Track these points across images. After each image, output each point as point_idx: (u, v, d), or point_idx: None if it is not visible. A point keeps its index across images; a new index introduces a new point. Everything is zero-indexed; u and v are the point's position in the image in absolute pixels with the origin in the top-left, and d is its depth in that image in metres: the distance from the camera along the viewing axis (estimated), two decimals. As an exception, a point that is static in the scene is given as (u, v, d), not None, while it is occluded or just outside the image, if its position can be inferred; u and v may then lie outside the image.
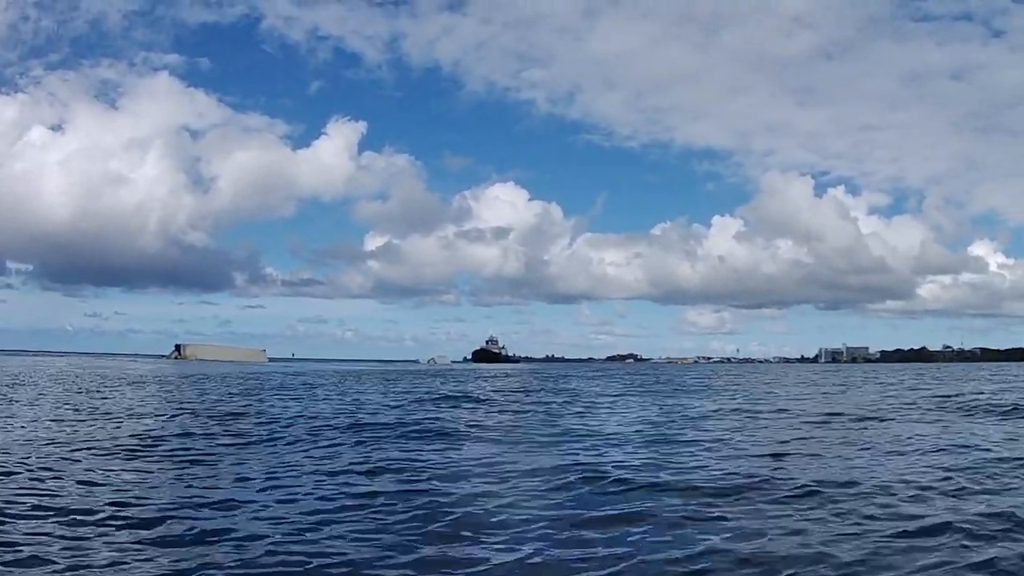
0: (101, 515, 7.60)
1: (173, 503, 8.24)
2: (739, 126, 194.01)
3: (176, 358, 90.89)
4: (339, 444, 13.36)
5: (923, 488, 9.04)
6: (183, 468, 10.60)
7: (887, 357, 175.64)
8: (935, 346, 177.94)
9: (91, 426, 15.75)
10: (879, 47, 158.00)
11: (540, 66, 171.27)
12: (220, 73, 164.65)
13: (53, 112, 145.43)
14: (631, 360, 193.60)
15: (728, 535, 7.06)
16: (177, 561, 6.22)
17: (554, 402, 25.22)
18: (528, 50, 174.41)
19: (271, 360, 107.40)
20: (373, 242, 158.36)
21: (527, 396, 28.56)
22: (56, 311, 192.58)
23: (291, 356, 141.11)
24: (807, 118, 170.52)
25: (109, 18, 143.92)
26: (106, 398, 24.42)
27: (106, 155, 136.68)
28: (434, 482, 9.55)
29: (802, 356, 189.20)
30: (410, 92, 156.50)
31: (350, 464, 11.02)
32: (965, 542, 6.70)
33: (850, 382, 43.37)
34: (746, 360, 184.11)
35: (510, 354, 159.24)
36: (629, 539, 6.97)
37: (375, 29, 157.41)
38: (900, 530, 7.12)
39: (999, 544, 6.61)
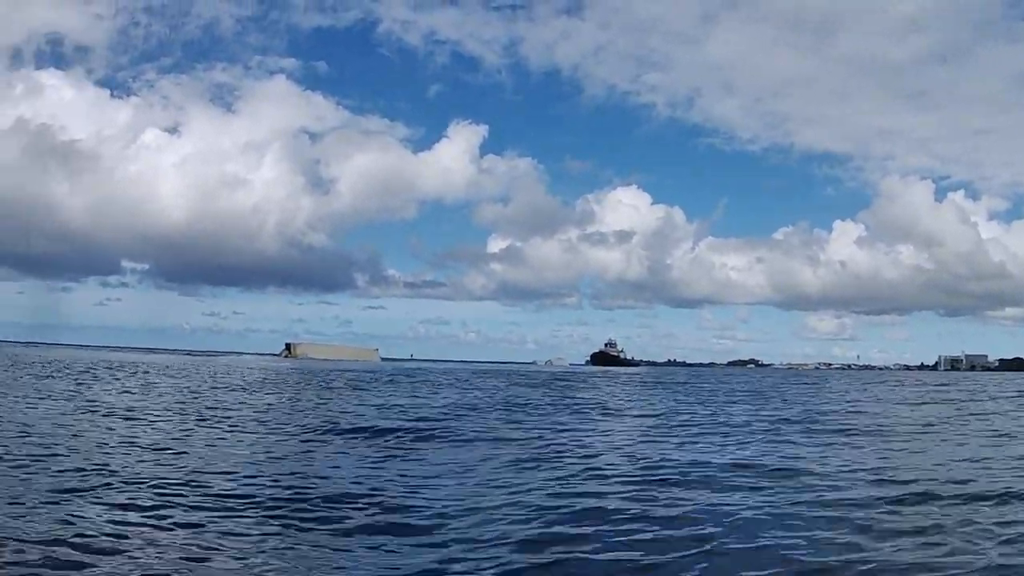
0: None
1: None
2: (855, 130, 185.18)
3: (286, 356, 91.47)
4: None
5: None
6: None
7: (1006, 365, 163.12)
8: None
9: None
10: (991, 49, 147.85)
11: (659, 70, 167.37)
12: (337, 77, 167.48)
13: (167, 115, 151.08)
14: (751, 366, 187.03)
15: None
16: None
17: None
18: (646, 54, 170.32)
19: (384, 360, 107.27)
20: (495, 244, 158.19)
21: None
22: (173, 310, 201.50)
23: (409, 356, 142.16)
24: (921, 122, 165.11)
25: (222, 23, 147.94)
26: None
27: (223, 157, 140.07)
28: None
29: (922, 364, 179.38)
30: (530, 96, 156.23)
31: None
32: None
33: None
34: (866, 367, 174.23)
35: (628, 357, 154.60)
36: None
37: (493, 33, 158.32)
38: None
39: None
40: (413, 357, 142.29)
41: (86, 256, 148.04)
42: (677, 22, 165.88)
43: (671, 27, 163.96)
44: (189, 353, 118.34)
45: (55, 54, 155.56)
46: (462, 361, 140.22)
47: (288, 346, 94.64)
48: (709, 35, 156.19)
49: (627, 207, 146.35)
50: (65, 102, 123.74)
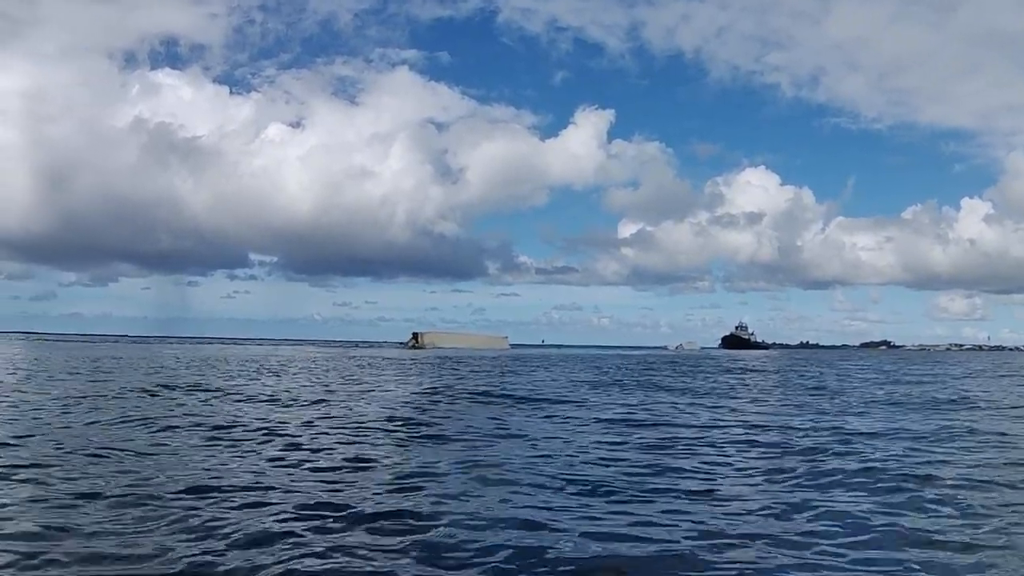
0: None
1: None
2: (979, 106, 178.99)
3: (413, 346, 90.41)
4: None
5: None
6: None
7: None
8: None
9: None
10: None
11: (782, 50, 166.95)
12: (461, 66, 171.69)
13: (290, 110, 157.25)
14: (884, 347, 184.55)
15: None
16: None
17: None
18: (768, 34, 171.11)
19: (514, 347, 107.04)
20: (626, 229, 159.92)
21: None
22: (303, 301, 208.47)
23: (541, 343, 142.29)
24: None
25: (339, 17, 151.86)
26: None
27: (349, 149, 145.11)
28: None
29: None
30: (655, 80, 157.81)
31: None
32: None
33: None
34: (997, 347, 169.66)
35: (759, 340, 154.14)
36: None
37: (613, 18, 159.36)
38: None
39: None
40: (544, 343, 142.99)
41: (213, 250, 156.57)
42: (797, 1, 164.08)
43: (791, 6, 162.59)
44: (326, 343, 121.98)
45: (170, 54, 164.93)
46: (594, 346, 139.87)
47: (415, 335, 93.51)
48: (829, 12, 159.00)
49: (756, 188, 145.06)
50: (184, 101, 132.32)
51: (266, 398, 17.66)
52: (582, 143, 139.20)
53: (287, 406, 16.06)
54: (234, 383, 22.48)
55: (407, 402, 17.40)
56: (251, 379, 24.82)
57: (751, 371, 38.96)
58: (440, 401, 17.78)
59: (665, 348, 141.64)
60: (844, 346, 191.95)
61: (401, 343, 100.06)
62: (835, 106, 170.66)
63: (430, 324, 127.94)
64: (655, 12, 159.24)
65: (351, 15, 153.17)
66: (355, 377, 27.42)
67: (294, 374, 28.71)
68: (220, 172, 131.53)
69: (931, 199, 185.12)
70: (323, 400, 17.49)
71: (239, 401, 16.85)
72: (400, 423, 13.18)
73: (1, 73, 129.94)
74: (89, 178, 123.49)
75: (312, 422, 13.14)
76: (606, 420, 14.36)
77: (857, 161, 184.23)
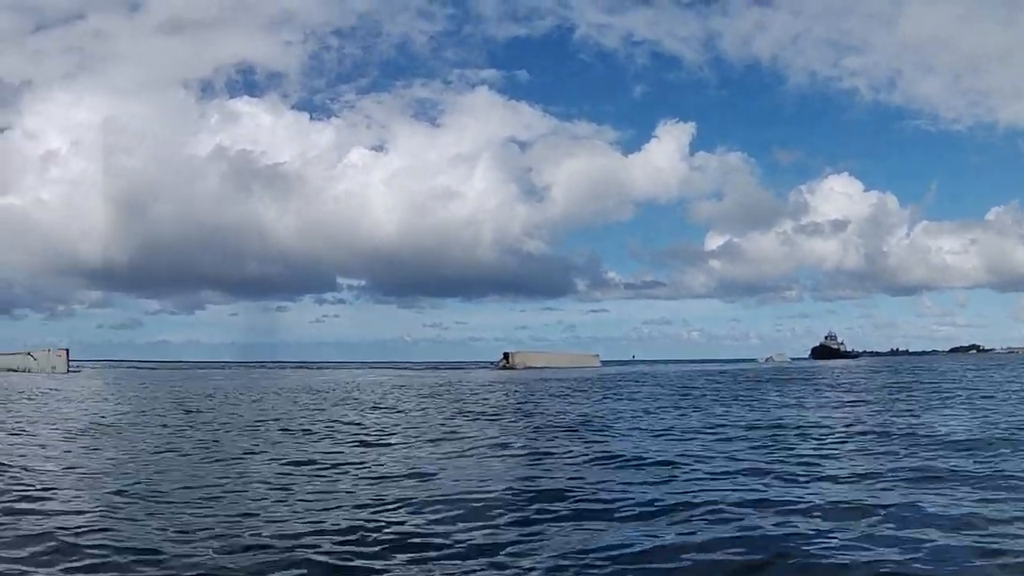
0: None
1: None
2: None
3: (503, 367, 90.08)
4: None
5: None
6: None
7: None
8: None
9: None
10: None
11: (857, 53, 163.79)
12: (540, 84, 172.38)
13: (372, 134, 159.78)
14: (973, 352, 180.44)
15: None
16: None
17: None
18: (842, 38, 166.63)
19: (604, 363, 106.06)
20: (713, 241, 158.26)
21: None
22: (393, 323, 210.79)
23: (631, 358, 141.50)
24: None
25: (415, 40, 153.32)
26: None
27: (433, 171, 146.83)
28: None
29: None
30: (733, 90, 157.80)
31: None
32: None
33: None
34: None
35: (849, 349, 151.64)
36: None
37: (688, 30, 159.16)
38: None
39: None
40: (635, 359, 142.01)
41: (300, 275, 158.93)
42: (868, 2, 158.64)
43: (864, 8, 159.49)
44: (417, 365, 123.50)
45: (247, 83, 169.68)
46: (685, 361, 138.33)
47: (506, 355, 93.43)
48: (902, 13, 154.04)
49: (840, 195, 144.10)
50: (263, 128, 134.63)
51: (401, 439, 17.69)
52: (665, 156, 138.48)
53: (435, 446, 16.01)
54: (373, 420, 22.77)
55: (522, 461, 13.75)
56: (375, 412, 25.12)
57: (902, 390, 37.32)
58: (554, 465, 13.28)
59: (755, 361, 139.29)
60: (934, 352, 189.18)
61: (491, 363, 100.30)
62: (913, 108, 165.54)
63: (520, 343, 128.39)
64: (729, 22, 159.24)
65: (427, 37, 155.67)
66: (466, 405, 27.38)
67: (417, 409, 28.93)
68: (304, 197, 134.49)
69: (1014, 199, 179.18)
70: (446, 437, 17.38)
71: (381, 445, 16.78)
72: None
73: (77, 107, 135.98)
74: (171, 207, 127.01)
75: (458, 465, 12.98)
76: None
77: (938, 163, 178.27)
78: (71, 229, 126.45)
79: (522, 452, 14.87)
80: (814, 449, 14.57)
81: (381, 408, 27.31)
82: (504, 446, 15.78)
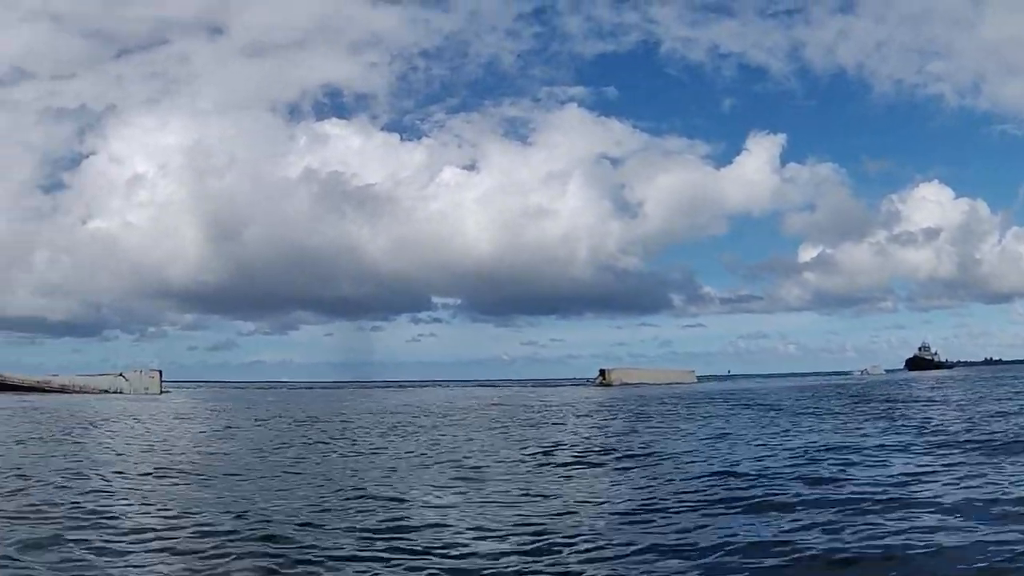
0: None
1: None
2: None
3: (600, 383, 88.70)
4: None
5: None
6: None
7: None
8: None
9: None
10: None
11: (941, 59, 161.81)
12: (629, 100, 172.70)
13: (462, 153, 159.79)
14: None
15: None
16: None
17: None
18: (925, 44, 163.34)
19: (700, 379, 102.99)
20: (806, 253, 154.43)
21: None
22: (490, 341, 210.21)
23: (727, 373, 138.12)
24: None
25: (502, 59, 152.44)
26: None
27: (525, 189, 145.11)
28: None
29: None
30: (821, 100, 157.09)
31: None
32: None
33: None
34: None
35: (943, 360, 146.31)
36: None
37: (773, 40, 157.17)
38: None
39: None
40: (730, 374, 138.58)
41: (395, 295, 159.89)
42: (949, 7, 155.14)
43: (945, 12, 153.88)
44: (515, 383, 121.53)
45: (335, 105, 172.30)
46: (780, 375, 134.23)
47: (602, 372, 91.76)
48: (982, 17, 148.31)
49: (931, 203, 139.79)
50: (353, 149, 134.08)
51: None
52: (756, 169, 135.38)
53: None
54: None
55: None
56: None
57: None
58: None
59: (850, 374, 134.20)
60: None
61: (588, 380, 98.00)
62: (999, 112, 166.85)
63: (617, 359, 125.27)
64: (813, 31, 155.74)
65: (514, 56, 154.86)
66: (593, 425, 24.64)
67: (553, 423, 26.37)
68: (396, 218, 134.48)
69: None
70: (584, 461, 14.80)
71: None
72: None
73: (161, 131, 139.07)
74: (262, 229, 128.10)
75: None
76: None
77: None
78: (160, 252, 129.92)
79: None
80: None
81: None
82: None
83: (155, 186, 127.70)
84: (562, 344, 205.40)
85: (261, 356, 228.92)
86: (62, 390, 66.36)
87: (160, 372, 73.25)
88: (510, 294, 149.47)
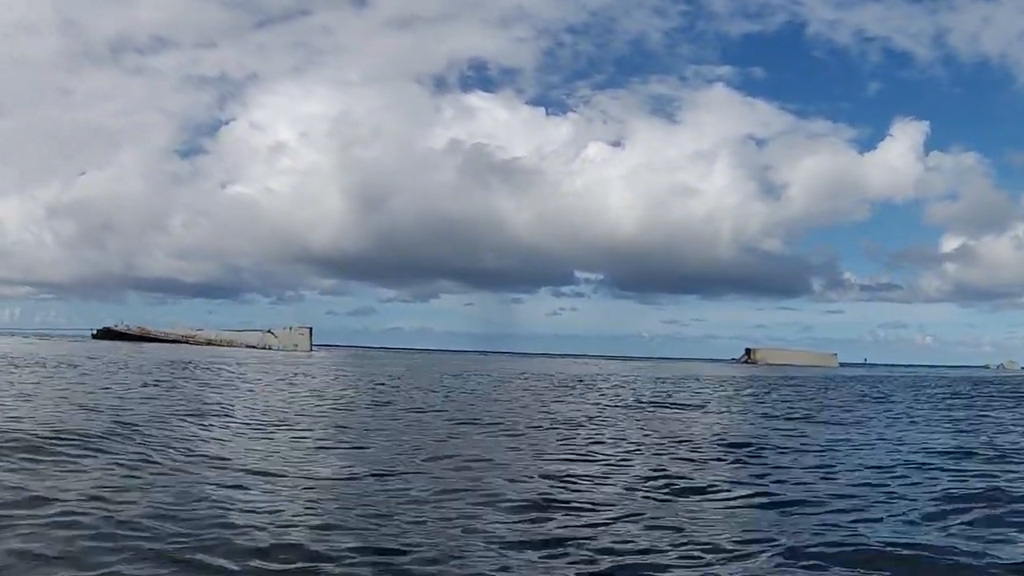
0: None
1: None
2: None
3: (745, 362, 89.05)
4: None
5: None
6: None
7: None
8: None
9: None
10: None
11: None
12: (775, 81, 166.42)
13: (608, 129, 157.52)
14: None
15: None
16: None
17: None
18: None
19: (841, 365, 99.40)
20: (948, 244, 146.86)
21: None
22: (631, 318, 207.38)
23: (863, 361, 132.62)
24: None
25: (649, 37, 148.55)
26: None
27: (671, 167, 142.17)
28: None
29: None
30: (966, 87, 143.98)
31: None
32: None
33: None
34: None
35: None
36: None
37: (919, 26, 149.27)
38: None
39: None
40: (867, 362, 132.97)
41: (537, 268, 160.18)
42: None
43: None
44: (655, 361, 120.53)
45: (481, 78, 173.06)
46: (917, 366, 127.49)
47: (748, 351, 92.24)
48: None
49: None
50: (499, 122, 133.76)
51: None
52: (900, 156, 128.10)
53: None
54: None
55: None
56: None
57: None
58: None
59: (987, 367, 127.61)
60: None
61: (734, 359, 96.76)
62: None
63: (757, 342, 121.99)
64: (957, 17, 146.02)
65: (661, 34, 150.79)
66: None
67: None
68: (541, 192, 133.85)
69: None
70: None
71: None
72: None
73: (304, 100, 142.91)
74: (406, 198, 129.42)
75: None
76: None
77: None
78: (301, 218, 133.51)
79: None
80: None
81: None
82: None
83: (297, 154, 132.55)
84: (703, 324, 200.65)
85: (400, 323, 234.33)
86: (208, 344, 69.20)
87: (310, 329, 75.18)
88: (653, 271, 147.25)
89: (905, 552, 5.42)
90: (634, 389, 25.55)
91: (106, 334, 72.67)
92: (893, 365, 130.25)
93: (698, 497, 7.26)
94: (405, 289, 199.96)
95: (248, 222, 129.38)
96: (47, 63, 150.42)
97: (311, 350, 71.68)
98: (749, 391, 27.11)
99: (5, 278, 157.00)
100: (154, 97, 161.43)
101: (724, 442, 11.24)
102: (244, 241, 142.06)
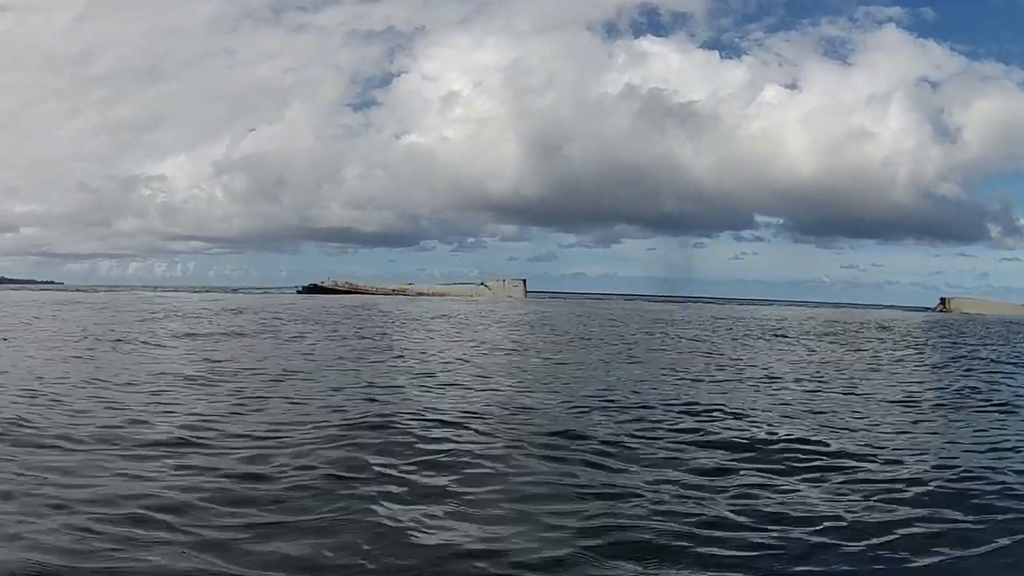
0: None
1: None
2: None
3: (941, 311, 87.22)
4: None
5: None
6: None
7: None
8: None
9: None
10: None
11: None
12: (946, 22, 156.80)
13: (783, 72, 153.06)
14: None
15: None
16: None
17: None
18: None
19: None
20: None
21: None
22: (810, 262, 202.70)
23: None
24: None
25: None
26: None
27: (847, 110, 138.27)
28: None
29: None
30: None
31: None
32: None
33: None
34: None
35: None
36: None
37: None
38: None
39: None
40: None
41: (717, 212, 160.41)
42: None
43: None
44: (834, 306, 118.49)
45: (652, 23, 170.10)
46: None
47: (943, 300, 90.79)
48: None
49: None
50: (673, 67, 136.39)
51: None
52: None
53: None
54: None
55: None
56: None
57: None
58: None
59: None
60: None
61: (917, 308, 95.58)
62: None
63: (934, 288, 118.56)
64: None
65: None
66: None
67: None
68: (719, 135, 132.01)
69: None
70: None
71: None
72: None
73: (477, 50, 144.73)
74: (583, 144, 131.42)
75: None
76: None
77: None
78: (479, 166, 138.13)
79: None
80: None
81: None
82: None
83: (471, 103, 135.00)
84: (881, 270, 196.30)
85: (582, 268, 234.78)
86: (419, 296, 72.88)
87: (524, 281, 78.49)
88: (831, 215, 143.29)
89: None
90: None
91: (312, 289, 76.57)
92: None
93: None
94: (586, 234, 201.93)
95: (424, 171, 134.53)
96: (209, 26, 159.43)
97: (526, 299, 74.46)
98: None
99: (178, 234, 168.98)
100: (321, 53, 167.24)
101: None
102: (421, 190, 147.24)
